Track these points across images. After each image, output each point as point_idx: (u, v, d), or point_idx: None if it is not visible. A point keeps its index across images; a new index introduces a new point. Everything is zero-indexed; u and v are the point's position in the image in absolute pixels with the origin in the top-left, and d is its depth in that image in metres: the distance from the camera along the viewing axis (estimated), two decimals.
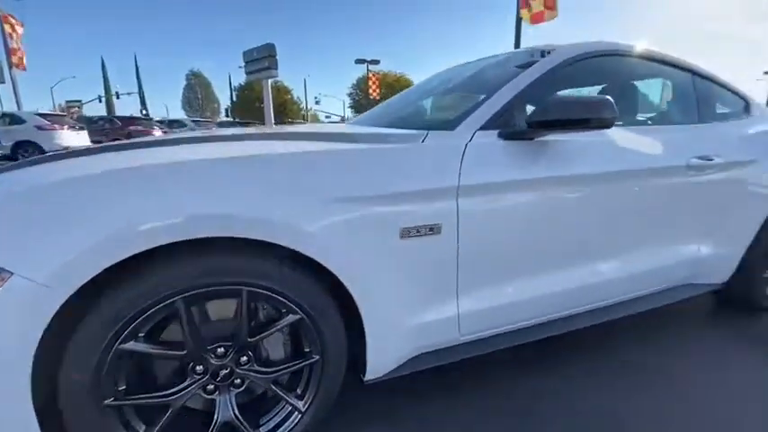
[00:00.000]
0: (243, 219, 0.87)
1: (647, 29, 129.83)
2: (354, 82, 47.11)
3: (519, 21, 8.30)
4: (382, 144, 1.11)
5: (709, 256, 1.67)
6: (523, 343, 1.31)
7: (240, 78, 37.66)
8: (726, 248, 1.70)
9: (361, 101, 41.70)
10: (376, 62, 33.06)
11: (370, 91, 30.51)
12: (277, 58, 10.38)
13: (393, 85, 43.75)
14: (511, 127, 1.22)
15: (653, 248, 1.54)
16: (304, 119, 36.08)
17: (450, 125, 1.22)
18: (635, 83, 1.76)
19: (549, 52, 1.45)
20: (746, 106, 1.90)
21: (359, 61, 32.78)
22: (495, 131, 1.21)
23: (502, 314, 1.28)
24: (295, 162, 0.98)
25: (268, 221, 0.89)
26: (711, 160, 1.51)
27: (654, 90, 1.81)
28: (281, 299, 0.95)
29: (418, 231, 1.05)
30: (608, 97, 1.10)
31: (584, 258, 1.39)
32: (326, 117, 42.11)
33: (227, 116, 41.02)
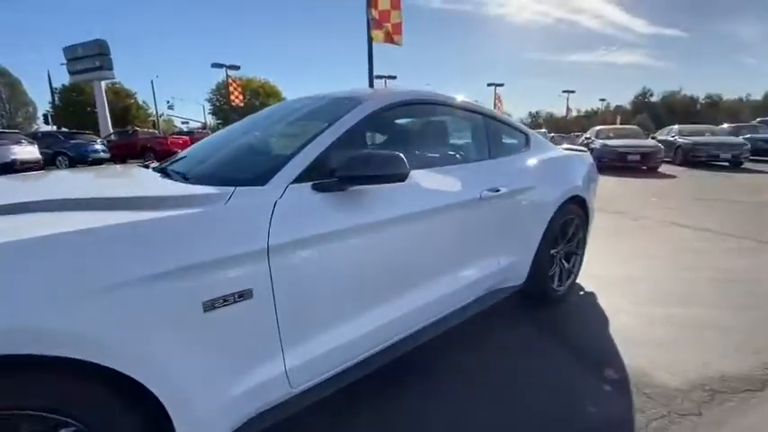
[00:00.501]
0: None
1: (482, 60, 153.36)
2: (214, 87, 43.51)
3: (370, 41, 8.84)
4: (177, 210, 1.01)
5: (509, 265, 2.04)
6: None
7: (63, 78, 30.71)
8: (519, 257, 2.11)
9: (222, 106, 38.59)
10: (236, 67, 31.07)
11: (232, 97, 28.55)
12: (111, 57, 8.80)
13: (258, 91, 41.82)
14: (326, 177, 1.27)
15: (467, 266, 1.80)
16: (154, 126, 31.49)
17: (260, 180, 1.19)
18: (442, 127, 2.04)
19: (365, 99, 1.56)
20: (527, 140, 2.38)
21: (216, 65, 30.38)
22: (309, 184, 1.23)
23: (336, 356, 1.31)
24: (56, 245, 0.82)
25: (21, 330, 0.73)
26: (498, 191, 1.83)
27: (457, 133, 2.15)
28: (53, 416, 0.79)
29: (225, 301, 1.00)
30: (398, 154, 1.23)
31: (411, 285, 1.54)
32: (183, 123, 37.87)
33: (47, 123, 32.95)
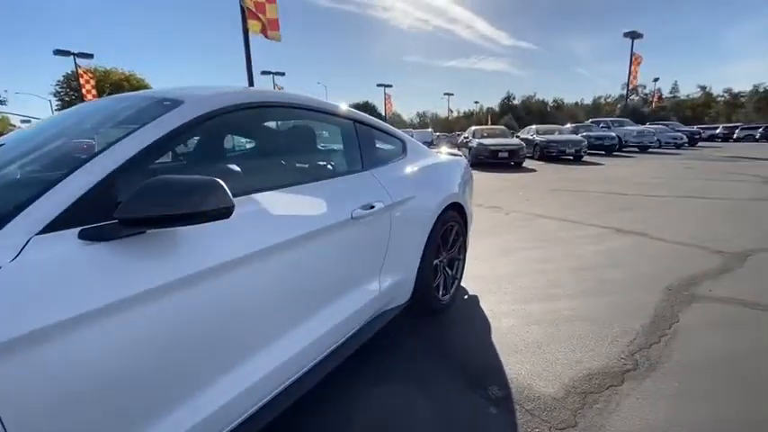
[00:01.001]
0: None
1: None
2: (62, 78, 35.81)
3: (246, 32, 8.09)
4: None
5: (392, 285, 1.86)
6: None
7: None
8: (403, 274, 1.94)
9: (74, 101, 31.92)
10: (87, 56, 26.18)
11: (84, 91, 23.88)
12: None
13: (121, 84, 35.85)
14: (105, 217, 0.85)
15: (342, 298, 1.55)
16: None
17: None
18: (302, 135, 1.74)
19: (187, 101, 1.17)
20: (403, 146, 2.24)
21: (60, 53, 25.22)
22: (76, 231, 0.82)
23: (216, 421, 1.01)
24: None
25: None
26: (374, 207, 1.62)
27: (323, 142, 1.87)
28: None
29: None
30: (215, 180, 0.89)
31: (270, 337, 1.22)
32: (24, 122, 30.33)
33: None
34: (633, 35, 24.91)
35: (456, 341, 2.08)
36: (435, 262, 2.23)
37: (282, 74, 33.60)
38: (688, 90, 72.17)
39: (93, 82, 25.11)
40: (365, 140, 1.87)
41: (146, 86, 38.12)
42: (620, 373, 1.73)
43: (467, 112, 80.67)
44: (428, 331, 2.19)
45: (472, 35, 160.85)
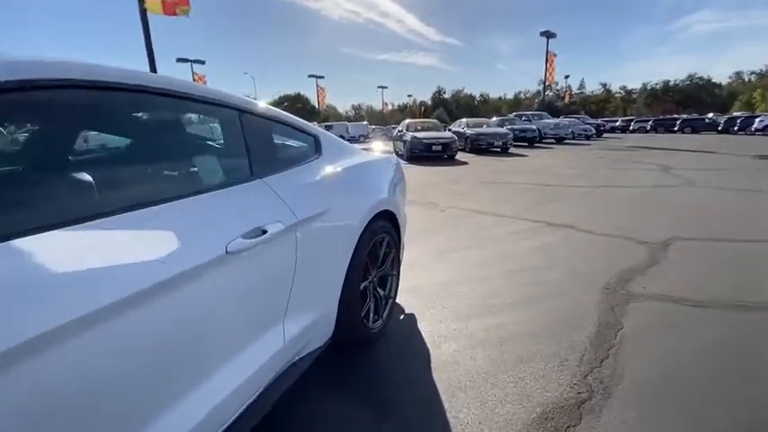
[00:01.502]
0: None
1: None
2: None
3: (144, 12, 6.94)
4: None
5: (306, 327, 1.43)
6: None
7: None
8: (319, 311, 1.52)
9: None
10: None
11: None
12: None
13: None
14: None
15: (234, 357, 1.09)
16: None
17: None
18: (143, 134, 1.22)
19: None
20: (316, 144, 1.80)
21: None
22: None
23: None
24: None
25: None
26: (265, 231, 1.17)
27: (187, 142, 1.35)
28: None
29: None
30: None
31: (178, 393, 0.77)
32: None
33: None
34: (548, 34, 26.81)
35: (388, 383, 1.72)
36: (363, 285, 1.84)
37: (202, 62, 30.83)
38: (592, 87, 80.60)
39: None
40: (256, 138, 1.39)
41: None
42: (577, 406, 1.50)
43: (401, 105, 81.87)
44: (357, 368, 1.80)
45: (402, 29, 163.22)
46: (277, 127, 1.57)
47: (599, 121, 30.81)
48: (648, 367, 1.73)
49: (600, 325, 2.11)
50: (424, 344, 2.00)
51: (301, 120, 1.79)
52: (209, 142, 1.50)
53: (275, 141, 1.53)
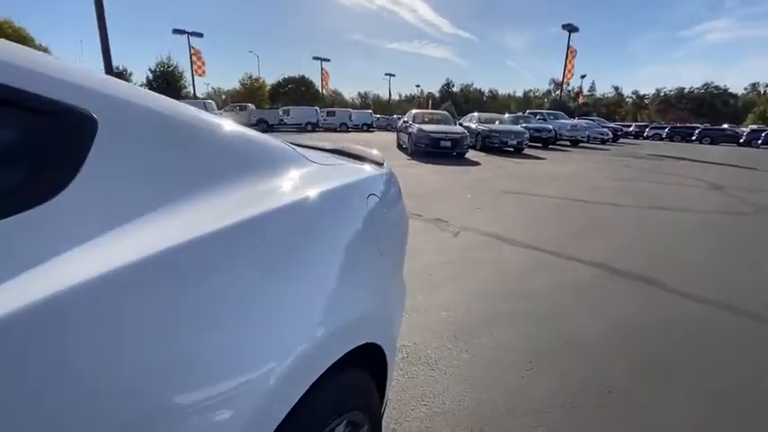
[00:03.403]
0: None
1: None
2: None
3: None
4: None
5: None
6: None
7: None
8: None
9: None
10: None
11: None
12: None
13: None
14: None
15: None
16: None
17: None
18: None
19: None
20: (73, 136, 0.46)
21: None
22: None
23: None
24: None
25: None
26: None
27: None
28: None
29: None
30: None
31: None
32: None
33: None
34: (570, 28, 25.11)
35: None
36: None
37: (200, 35, 29.06)
38: (602, 89, 78.53)
39: None
40: None
41: (26, 39, 30.82)
42: None
43: (408, 95, 79.80)
44: None
45: (415, 19, 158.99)
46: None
47: (614, 124, 29.31)
48: None
49: None
50: None
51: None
52: None
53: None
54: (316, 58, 38.63)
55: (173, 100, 0.66)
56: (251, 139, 0.78)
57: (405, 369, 1.69)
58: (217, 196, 0.57)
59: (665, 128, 34.99)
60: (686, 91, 66.56)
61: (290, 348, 0.54)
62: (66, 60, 0.57)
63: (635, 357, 1.86)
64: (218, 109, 25.23)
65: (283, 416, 0.52)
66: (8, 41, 0.47)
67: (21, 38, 30.47)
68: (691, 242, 3.77)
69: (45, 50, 32.89)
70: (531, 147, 14.92)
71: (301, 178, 0.84)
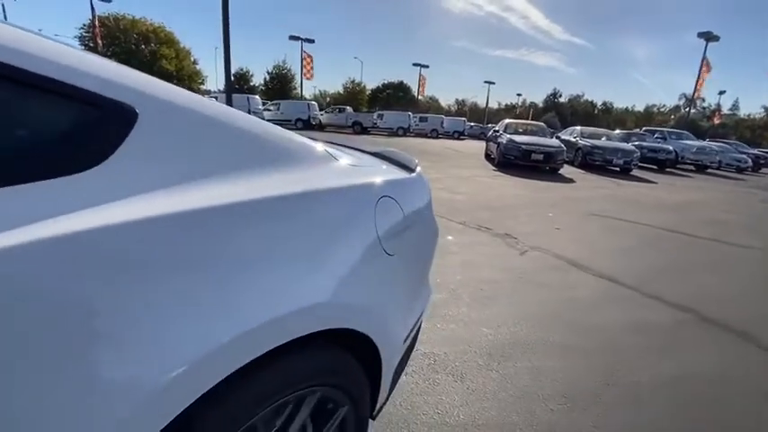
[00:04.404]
0: None
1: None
2: (88, 21, 34.53)
3: None
4: None
5: None
6: None
7: None
8: None
9: (98, 50, 31.00)
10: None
11: (99, 39, 23.10)
12: None
13: (147, 36, 34.82)
14: None
15: None
16: None
17: None
18: None
19: None
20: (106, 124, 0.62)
21: None
22: None
23: None
24: None
25: None
26: None
27: None
28: None
29: None
30: None
31: None
32: None
33: None
34: (708, 36, 21.54)
35: None
36: None
37: (312, 41, 31.81)
38: (748, 109, 65.24)
39: (100, 30, 24.39)
40: None
41: (174, 41, 37.14)
42: None
43: (508, 104, 76.51)
44: None
45: (525, 25, 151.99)
46: None
47: (757, 150, 24.16)
48: None
49: None
50: None
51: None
52: None
53: None
54: (415, 65, 39.37)
55: (202, 98, 0.81)
56: (272, 137, 0.90)
57: (428, 375, 1.70)
58: (215, 185, 0.69)
59: None
60: None
61: (249, 317, 0.62)
62: (131, 68, 0.76)
63: (690, 416, 1.58)
64: (320, 110, 27.23)
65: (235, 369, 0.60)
66: (86, 53, 0.65)
67: (170, 41, 36.67)
68: None
69: (188, 52, 39.10)
70: (643, 168, 13.22)
71: (318, 175, 0.93)
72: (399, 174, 1.25)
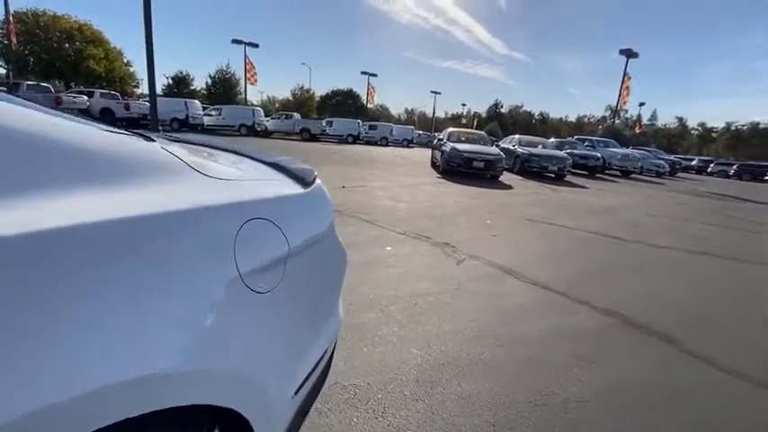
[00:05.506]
0: None
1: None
2: (2, 17, 30.92)
3: None
4: None
5: None
6: None
7: None
8: None
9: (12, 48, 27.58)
10: None
11: (12, 37, 20.64)
12: None
13: (72, 34, 31.82)
14: None
15: None
16: None
17: None
18: None
19: None
20: None
21: None
22: None
23: None
24: None
25: None
26: None
27: None
28: None
29: None
30: None
31: None
32: None
33: None
34: (629, 53, 23.86)
35: None
36: None
37: (256, 45, 30.80)
38: (664, 120, 73.35)
39: (15, 27, 21.90)
40: None
41: (103, 41, 34.27)
42: None
43: (454, 114, 79.44)
44: None
45: (469, 39, 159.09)
46: None
47: (673, 157, 27.14)
48: None
49: None
50: None
51: None
52: None
53: None
54: (364, 73, 39.56)
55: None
56: (94, 145, 0.67)
57: (345, 413, 1.50)
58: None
59: (734, 164, 31.87)
60: (761, 126, 60.67)
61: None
62: None
63: (626, 428, 1.54)
64: (267, 116, 26.35)
65: None
66: None
67: (98, 40, 33.78)
68: (734, 300, 3.26)
69: (120, 53, 36.22)
70: (575, 174, 14.17)
71: (157, 194, 0.71)
72: (289, 189, 1.05)
